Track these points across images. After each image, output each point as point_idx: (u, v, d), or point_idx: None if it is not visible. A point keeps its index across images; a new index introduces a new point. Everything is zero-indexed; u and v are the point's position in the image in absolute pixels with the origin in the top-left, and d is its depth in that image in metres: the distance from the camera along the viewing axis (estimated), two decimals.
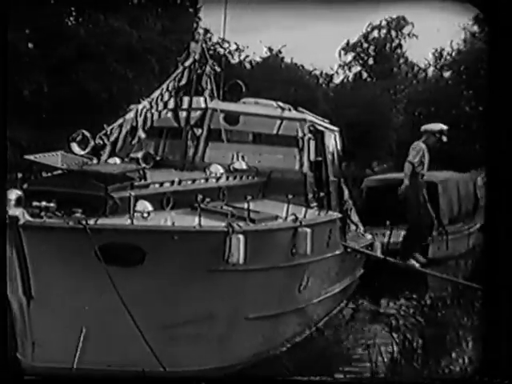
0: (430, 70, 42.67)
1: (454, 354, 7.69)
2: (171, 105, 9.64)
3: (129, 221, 6.76)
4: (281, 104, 11.51)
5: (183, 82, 9.73)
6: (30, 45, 20.43)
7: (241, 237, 7.33)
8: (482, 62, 39.11)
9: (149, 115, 9.20)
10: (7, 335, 5.92)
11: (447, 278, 11.21)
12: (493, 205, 5.98)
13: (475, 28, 42.81)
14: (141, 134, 9.05)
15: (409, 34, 42.21)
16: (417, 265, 11.95)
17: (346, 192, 12.91)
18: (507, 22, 5.76)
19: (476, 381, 5.60)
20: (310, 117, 11.37)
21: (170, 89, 9.55)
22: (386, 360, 8.09)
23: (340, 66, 42.19)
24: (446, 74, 40.92)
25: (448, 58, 41.40)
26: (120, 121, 8.81)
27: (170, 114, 9.85)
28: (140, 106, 9.14)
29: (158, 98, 9.36)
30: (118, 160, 8.62)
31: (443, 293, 11.11)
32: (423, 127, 13.80)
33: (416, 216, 13.20)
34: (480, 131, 38.65)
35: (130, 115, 8.98)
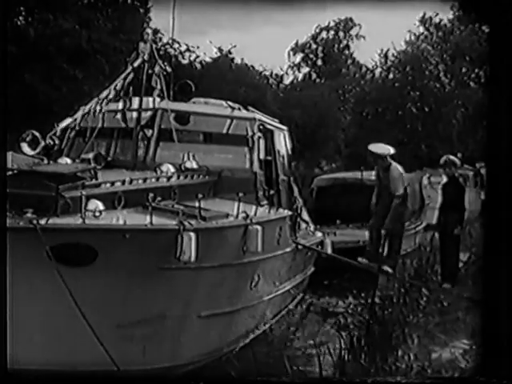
0: (377, 71, 43.10)
1: (400, 351, 7.76)
2: (120, 105, 9.61)
3: (80, 220, 6.71)
4: (230, 103, 11.53)
5: (130, 82, 9.69)
6: None
7: (192, 234, 7.32)
8: (427, 62, 39.78)
9: (98, 115, 9.16)
10: (7, 335, 5.83)
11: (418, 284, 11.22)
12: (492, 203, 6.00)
13: (420, 29, 43.51)
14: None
15: (356, 36, 42.55)
16: (389, 270, 11.93)
17: (296, 190, 12.95)
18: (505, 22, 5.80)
19: (476, 381, 5.64)
20: (259, 116, 11.40)
21: (117, 88, 9.50)
22: (334, 358, 8.16)
23: (289, 66, 42.37)
24: (392, 75, 41.43)
25: (393, 59, 41.92)
26: (69, 120, 8.74)
27: (119, 115, 9.80)
28: (87, 107, 9.09)
29: (105, 97, 9.31)
30: (68, 160, 8.53)
31: (390, 291, 11.21)
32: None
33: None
34: (425, 131, 39.31)
35: (79, 115, 8.93)
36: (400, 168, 12.70)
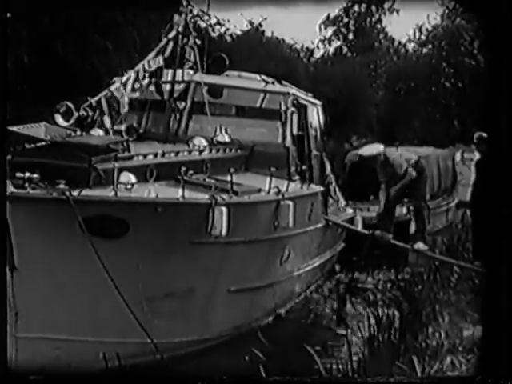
0: (411, 46, 42.60)
1: (430, 329, 7.73)
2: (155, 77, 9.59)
3: (112, 192, 6.72)
4: (264, 77, 11.47)
5: (167, 54, 9.66)
6: (9, 14, 20.11)
7: (224, 209, 7.33)
8: (462, 38, 39.29)
9: (137, 85, 9.15)
10: (7, 335, 5.87)
11: (451, 262, 11.13)
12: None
13: (452, 3, 42.91)
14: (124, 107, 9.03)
15: (389, 9, 42.04)
16: (424, 247, 11.88)
17: (328, 166, 12.90)
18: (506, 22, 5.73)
19: (476, 381, 5.61)
20: (293, 90, 11.33)
21: (153, 61, 9.48)
22: (363, 335, 8.15)
23: (320, 40, 41.96)
24: (426, 50, 40.93)
25: (427, 33, 41.40)
26: (104, 92, 8.74)
27: (152, 87, 9.79)
28: (124, 78, 9.07)
29: (142, 69, 9.29)
30: (101, 132, 8.54)
31: (420, 268, 11.15)
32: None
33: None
34: (458, 108, 38.91)
35: (115, 87, 8.91)
36: (395, 154, 12.66)
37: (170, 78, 10.00)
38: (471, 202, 12.13)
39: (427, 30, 41.61)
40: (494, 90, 5.89)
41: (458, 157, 20.57)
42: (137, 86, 9.14)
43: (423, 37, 41.68)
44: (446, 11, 42.65)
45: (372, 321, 8.27)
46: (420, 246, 11.74)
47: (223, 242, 7.61)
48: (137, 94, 9.31)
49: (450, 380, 5.84)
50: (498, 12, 5.75)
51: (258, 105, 10.97)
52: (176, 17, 9.86)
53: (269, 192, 8.63)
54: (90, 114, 8.31)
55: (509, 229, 5.64)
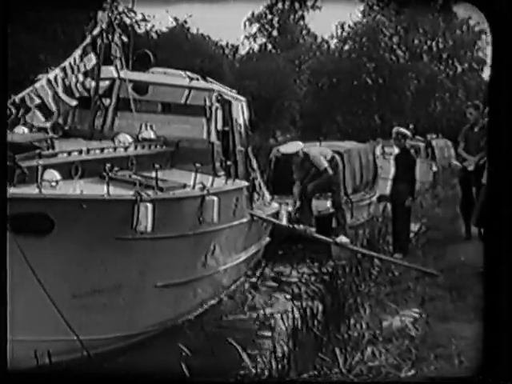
0: (333, 42, 43.09)
1: (352, 320, 7.81)
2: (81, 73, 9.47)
3: (37, 190, 6.62)
4: (189, 74, 11.43)
5: (91, 51, 9.55)
6: None
7: (149, 205, 7.31)
8: (382, 34, 39.89)
9: (67, 83, 9.03)
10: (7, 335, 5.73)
11: (372, 254, 11.28)
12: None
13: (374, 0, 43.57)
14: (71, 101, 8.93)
15: (312, 6, 42.41)
16: (345, 240, 12.00)
17: (254, 161, 12.95)
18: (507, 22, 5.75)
19: (476, 381, 5.66)
20: (217, 87, 11.34)
21: (78, 57, 9.37)
22: (287, 328, 8.20)
23: (245, 37, 42.11)
24: (348, 46, 41.45)
25: (349, 30, 41.96)
26: (28, 90, 8.59)
27: (78, 84, 9.65)
28: (51, 75, 8.95)
29: (70, 66, 9.17)
30: (25, 129, 8.40)
31: (342, 261, 11.28)
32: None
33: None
34: (378, 103, 39.50)
35: (41, 84, 8.77)
36: (315, 150, 12.79)
37: (95, 75, 9.88)
38: (390, 196, 12.31)
39: (349, 26, 42.21)
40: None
41: (378, 151, 20.85)
42: (67, 83, 9.03)
43: (345, 33, 42.23)
44: (367, 8, 43.33)
45: (296, 314, 8.33)
46: (342, 239, 11.88)
47: (149, 237, 7.58)
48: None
49: (450, 380, 5.90)
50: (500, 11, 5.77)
51: (182, 101, 10.94)
52: (100, 13, 9.75)
53: (194, 188, 8.63)
54: (14, 111, 8.17)
55: (509, 230, 5.69)
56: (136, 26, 29.16)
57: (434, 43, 42.14)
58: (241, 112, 12.52)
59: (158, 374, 6.25)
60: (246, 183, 11.27)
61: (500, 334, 5.59)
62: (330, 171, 12.36)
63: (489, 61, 45.85)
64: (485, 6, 5.86)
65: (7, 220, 5.68)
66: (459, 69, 43.13)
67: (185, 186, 8.59)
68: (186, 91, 10.90)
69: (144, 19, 31.10)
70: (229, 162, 10.85)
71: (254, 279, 11.89)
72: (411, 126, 34.66)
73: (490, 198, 6.24)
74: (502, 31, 5.75)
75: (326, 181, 12.44)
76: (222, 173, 10.48)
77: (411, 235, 12.42)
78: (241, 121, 12.41)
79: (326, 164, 12.32)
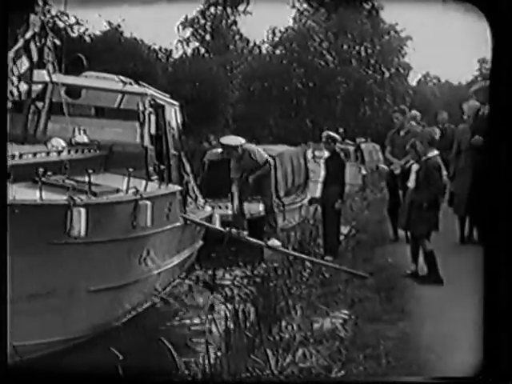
0: (264, 47, 43.29)
1: (283, 322, 7.87)
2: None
3: None
4: (122, 78, 11.35)
5: (24, 54, 9.40)
6: None
7: (82, 210, 7.26)
8: (312, 39, 40.24)
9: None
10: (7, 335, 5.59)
11: (303, 257, 11.35)
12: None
13: (305, 5, 43.96)
14: None
15: (244, 11, 42.54)
16: (277, 243, 12.04)
17: (187, 165, 12.93)
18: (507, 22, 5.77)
19: (476, 381, 5.68)
20: (150, 91, 11.29)
21: (11, 61, 9.20)
22: (219, 330, 8.22)
23: (179, 41, 41.98)
24: (279, 51, 41.70)
25: (280, 35, 42.23)
26: None
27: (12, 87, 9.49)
28: None
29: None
30: None
31: (274, 264, 11.34)
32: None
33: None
34: (309, 107, 39.81)
35: None
36: (253, 148, 12.82)
37: (28, 78, 9.73)
38: (320, 198, 12.42)
39: (280, 31, 42.45)
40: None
41: (309, 154, 21.03)
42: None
43: (276, 38, 42.47)
44: (298, 14, 43.68)
45: (229, 316, 8.35)
46: (274, 242, 11.94)
47: (82, 242, 7.52)
48: None
49: (450, 380, 5.93)
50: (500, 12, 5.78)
51: (116, 105, 10.87)
52: (32, 16, 9.60)
53: (127, 192, 8.59)
54: None
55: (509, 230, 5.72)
56: (69, 30, 28.81)
57: (362, 48, 42.67)
58: (174, 116, 12.49)
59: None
60: (180, 187, 11.26)
61: (500, 334, 5.65)
62: (272, 162, 12.44)
63: (414, 66, 46.77)
64: (485, 6, 5.91)
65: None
66: (386, 74, 43.75)
67: (118, 190, 8.55)
68: (119, 95, 10.84)
69: (77, 23, 30.78)
70: (162, 167, 10.84)
71: (187, 282, 11.86)
72: (341, 130, 35.02)
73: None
74: (502, 31, 5.80)
75: (267, 173, 12.44)
76: (156, 177, 10.45)
77: (341, 238, 12.56)
78: (174, 125, 12.39)
79: (266, 156, 12.37)
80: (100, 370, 6.87)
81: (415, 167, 9.87)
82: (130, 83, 11.28)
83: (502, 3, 5.82)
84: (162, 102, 11.56)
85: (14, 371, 5.91)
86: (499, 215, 5.82)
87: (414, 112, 14.26)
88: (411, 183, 9.89)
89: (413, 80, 52.78)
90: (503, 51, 5.77)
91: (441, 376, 6.04)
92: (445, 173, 11.04)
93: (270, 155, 13.08)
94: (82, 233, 7.30)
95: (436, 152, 9.94)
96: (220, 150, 13.03)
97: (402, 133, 12.36)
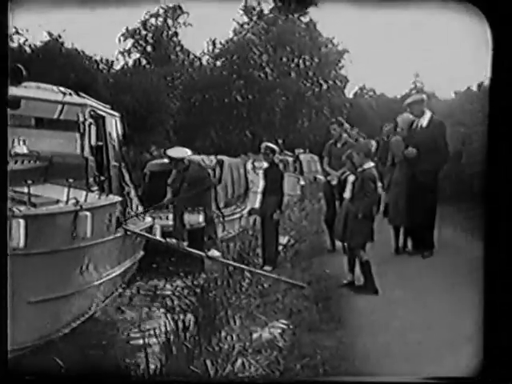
0: (205, 59, 43.32)
1: (223, 333, 7.86)
2: None
3: None
4: (62, 89, 11.22)
5: None
6: None
7: (21, 221, 7.17)
8: (251, 52, 40.43)
9: None
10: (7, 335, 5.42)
11: (242, 267, 11.35)
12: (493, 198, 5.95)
13: (245, 18, 44.18)
14: None
15: (184, 23, 42.48)
16: (217, 254, 12.04)
17: (127, 176, 12.83)
18: (507, 22, 5.75)
19: (476, 381, 5.66)
20: (90, 102, 11.19)
21: None
22: (159, 340, 8.17)
23: (120, 52, 41.70)
24: (219, 63, 41.78)
25: (220, 47, 42.33)
26: None
27: None
28: None
29: None
30: None
31: (215, 274, 11.33)
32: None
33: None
34: (249, 119, 39.96)
35: None
36: (197, 158, 12.86)
37: None
38: (259, 209, 12.45)
39: (220, 43, 42.55)
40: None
41: (249, 165, 21.07)
42: None
43: (216, 50, 42.55)
44: (238, 26, 43.85)
45: (169, 326, 8.32)
46: (214, 252, 11.94)
47: (22, 253, 7.41)
48: None
49: (450, 380, 5.91)
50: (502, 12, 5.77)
51: (56, 116, 10.73)
52: None
53: (67, 203, 8.50)
54: None
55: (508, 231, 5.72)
56: (9, 40, 28.37)
57: (300, 61, 43.01)
58: (114, 127, 12.40)
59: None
60: (120, 198, 11.17)
61: (500, 335, 5.67)
62: (215, 178, 12.48)
63: (351, 78, 47.31)
64: (485, 6, 5.93)
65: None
66: (324, 86, 44.16)
67: (58, 201, 8.45)
68: (59, 106, 10.70)
69: (17, 32, 30.34)
70: (102, 177, 10.74)
71: (128, 293, 11.77)
72: (280, 141, 35.23)
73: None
74: (502, 31, 5.82)
75: (210, 185, 12.52)
76: (96, 188, 10.36)
77: (280, 248, 12.61)
78: (115, 136, 12.30)
79: (210, 170, 12.41)
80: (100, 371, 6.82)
81: (351, 178, 9.98)
82: (70, 94, 11.16)
83: (502, 3, 5.86)
84: (102, 113, 11.47)
85: (14, 371, 5.80)
86: (499, 214, 5.87)
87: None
88: (347, 194, 10.00)
89: (349, 92, 53.38)
90: (503, 52, 5.82)
91: (441, 376, 6.08)
92: (380, 184, 11.19)
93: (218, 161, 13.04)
94: (22, 244, 7.21)
95: (372, 164, 10.06)
96: (161, 161, 13.02)
97: (339, 144, 12.50)
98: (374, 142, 14.54)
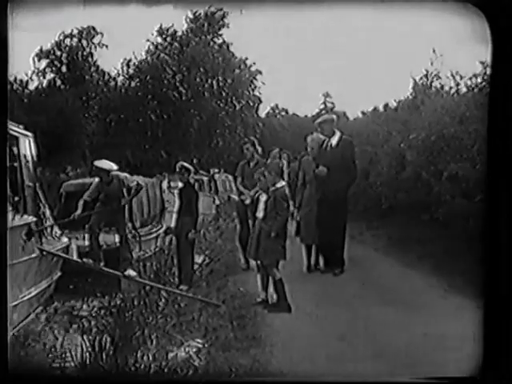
0: (120, 79, 42.95)
1: (139, 352, 7.78)
2: None
3: None
4: None
5: None
6: None
7: None
8: (165, 72, 40.37)
9: None
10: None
11: (159, 287, 11.27)
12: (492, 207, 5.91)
13: (159, 39, 44.11)
14: None
15: (99, 44, 42.04)
16: (133, 274, 11.96)
17: (42, 196, 12.61)
18: (507, 22, 5.72)
19: (476, 381, 5.60)
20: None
21: None
22: (76, 362, 8.01)
23: (34, 72, 40.93)
24: (134, 83, 41.56)
25: (134, 68, 42.13)
26: None
27: None
28: None
29: None
30: None
31: (131, 294, 11.22)
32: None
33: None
34: (164, 138, 39.81)
35: None
36: (121, 175, 12.81)
37: None
38: (175, 228, 12.40)
39: (134, 64, 42.30)
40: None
41: (164, 185, 20.98)
42: None
43: (131, 70, 42.29)
44: (151, 47, 43.71)
45: (85, 348, 8.18)
46: (130, 272, 11.85)
47: None
48: None
49: (450, 380, 5.85)
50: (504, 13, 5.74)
51: None
52: None
53: None
54: None
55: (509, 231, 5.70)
56: None
57: (214, 81, 43.12)
58: (28, 147, 12.16)
59: None
60: (34, 218, 10.98)
61: (500, 335, 5.67)
62: (143, 184, 12.48)
63: (263, 99, 47.74)
64: (485, 6, 5.93)
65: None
66: (237, 106, 44.39)
67: None
68: None
69: None
70: (16, 198, 10.54)
71: (44, 314, 11.53)
72: (195, 161, 35.20)
73: None
74: (502, 31, 5.84)
75: (136, 194, 12.70)
76: (10, 209, 10.14)
77: (195, 267, 12.59)
78: (28, 156, 12.07)
79: (135, 180, 12.41)
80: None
81: (264, 197, 10.05)
82: None
83: (502, 3, 5.92)
84: (15, 133, 11.25)
85: (14, 371, 5.60)
86: (499, 215, 5.91)
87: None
88: (260, 213, 10.06)
89: (262, 112, 53.78)
90: (503, 52, 5.87)
91: (441, 376, 6.10)
92: (291, 202, 11.33)
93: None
94: None
95: (283, 182, 10.19)
96: (76, 181, 12.89)
97: (251, 164, 12.60)
98: (285, 162, 14.74)
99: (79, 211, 12.34)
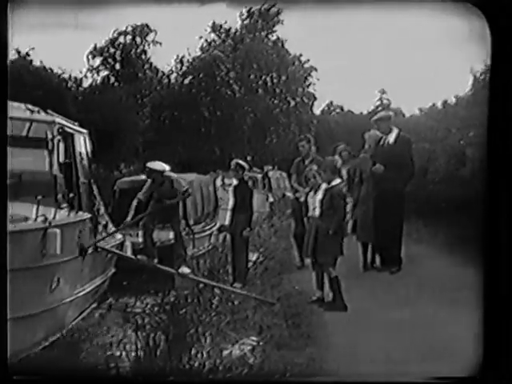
0: (173, 76, 43.25)
1: (193, 350, 7.79)
2: None
3: None
4: (29, 106, 11.13)
5: None
6: None
7: None
8: (219, 69, 40.50)
9: None
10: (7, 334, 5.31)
11: (212, 284, 11.29)
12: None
13: (212, 36, 44.31)
14: None
15: (153, 41, 42.41)
16: (187, 271, 12.01)
17: (97, 193, 12.75)
18: (507, 22, 5.74)
19: (476, 381, 5.62)
20: (59, 119, 11.10)
21: None
22: (130, 358, 8.07)
23: (88, 70, 41.47)
24: (187, 81, 41.78)
25: (188, 65, 42.36)
26: None
27: None
28: None
29: None
30: None
31: (185, 291, 11.25)
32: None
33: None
34: (217, 135, 39.95)
35: None
36: (174, 176, 12.85)
37: None
38: (229, 226, 12.40)
39: (188, 61, 42.54)
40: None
41: (218, 182, 21.06)
42: None
43: (184, 68, 42.54)
44: (205, 44, 43.95)
45: (140, 344, 8.23)
46: (184, 269, 11.90)
47: None
48: None
49: (450, 380, 5.87)
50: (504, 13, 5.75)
51: (24, 134, 10.64)
52: None
53: (36, 220, 8.42)
54: None
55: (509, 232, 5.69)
56: None
57: (268, 78, 43.15)
58: (83, 144, 12.32)
59: None
60: (90, 215, 11.09)
61: (500, 334, 5.65)
62: (190, 191, 12.55)
63: (318, 96, 47.65)
64: (485, 6, 5.92)
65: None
66: (292, 103, 44.35)
67: (27, 218, 8.36)
68: (27, 124, 10.61)
69: None
70: (71, 194, 10.66)
71: (99, 310, 11.64)
72: (249, 158, 35.27)
73: None
74: (502, 31, 5.82)
75: (183, 200, 12.71)
76: (65, 205, 10.27)
77: (249, 265, 12.58)
78: (83, 153, 12.22)
79: (185, 186, 12.46)
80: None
81: (319, 195, 9.98)
82: (38, 111, 11.06)
83: (502, 3, 5.88)
84: (70, 130, 11.38)
85: (14, 371, 5.70)
86: (499, 216, 5.87)
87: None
88: (316, 211, 10.00)
89: (317, 109, 53.65)
90: (503, 52, 5.83)
91: (441, 376, 6.07)
92: (348, 200, 11.24)
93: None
94: None
95: (339, 180, 10.11)
96: (130, 178, 12.97)
97: (307, 161, 12.54)
98: (339, 159, 14.63)
99: (130, 217, 12.34)
